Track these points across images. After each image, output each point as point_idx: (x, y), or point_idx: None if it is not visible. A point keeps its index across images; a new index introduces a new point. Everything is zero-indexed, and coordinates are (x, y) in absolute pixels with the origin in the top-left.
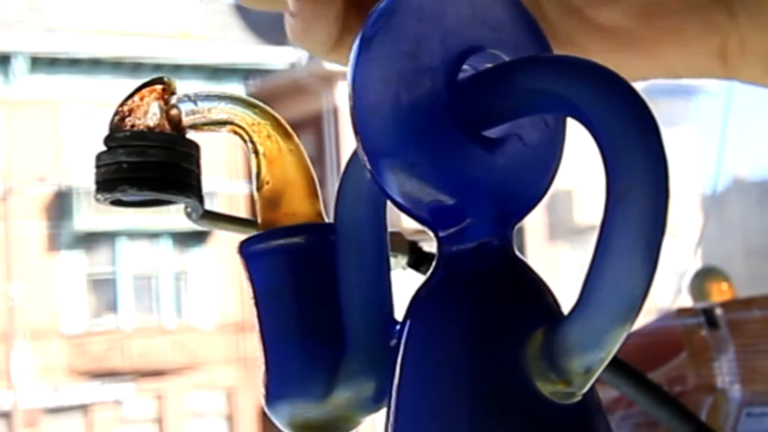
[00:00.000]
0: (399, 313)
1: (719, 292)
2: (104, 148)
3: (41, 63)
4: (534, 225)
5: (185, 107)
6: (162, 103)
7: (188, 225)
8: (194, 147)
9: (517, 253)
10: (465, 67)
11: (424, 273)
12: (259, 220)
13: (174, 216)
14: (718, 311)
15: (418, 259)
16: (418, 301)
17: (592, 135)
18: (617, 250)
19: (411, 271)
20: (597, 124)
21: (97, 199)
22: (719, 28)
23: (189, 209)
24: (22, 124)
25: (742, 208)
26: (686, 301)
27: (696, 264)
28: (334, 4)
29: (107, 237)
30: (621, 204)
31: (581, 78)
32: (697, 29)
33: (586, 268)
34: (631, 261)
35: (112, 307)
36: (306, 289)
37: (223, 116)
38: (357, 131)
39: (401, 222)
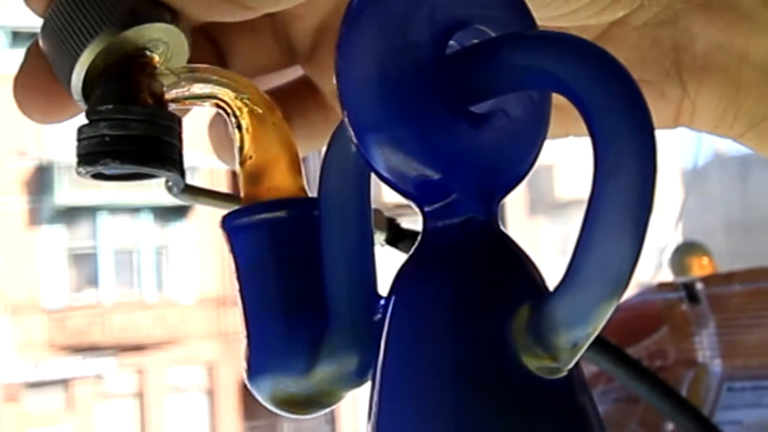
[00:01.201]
0: (383, 289)
1: (700, 267)
2: (86, 122)
3: (22, 37)
4: (515, 199)
5: (167, 80)
6: (144, 76)
7: (169, 200)
8: (176, 121)
9: (503, 228)
10: (452, 43)
11: (402, 250)
12: (242, 195)
13: (155, 190)
14: (699, 286)
15: (395, 236)
16: (403, 275)
17: (580, 111)
18: (605, 225)
19: (389, 248)
20: (585, 100)
21: (79, 173)
22: (672, 99)
23: (170, 183)
24: (2, 99)
25: (722, 182)
26: (667, 276)
27: (677, 239)
28: None
29: (88, 211)
30: (609, 180)
31: (568, 54)
32: (653, 102)
33: (574, 243)
34: (618, 237)
35: (93, 281)
36: (289, 263)
37: (206, 90)
38: (343, 106)
39: (381, 197)
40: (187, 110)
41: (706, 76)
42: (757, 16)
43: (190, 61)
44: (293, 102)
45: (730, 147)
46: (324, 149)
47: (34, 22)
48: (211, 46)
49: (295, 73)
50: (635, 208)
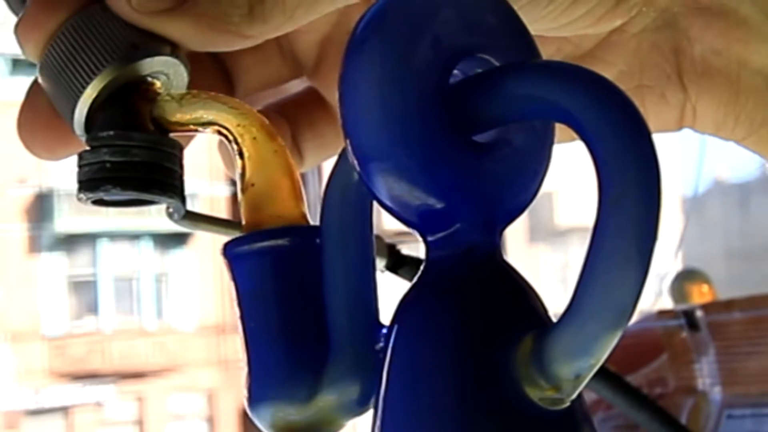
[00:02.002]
0: (385, 316)
1: (700, 294)
2: (87, 148)
3: (22, 65)
4: (514, 227)
5: (168, 107)
6: (146, 102)
7: (169, 226)
8: (177, 147)
9: (506, 258)
10: (455, 71)
11: (403, 276)
12: (244, 222)
13: (155, 217)
14: (699, 313)
15: (396, 263)
16: (405, 305)
17: (584, 140)
18: (609, 256)
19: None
20: (588, 130)
21: (80, 199)
22: (675, 103)
23: (171, 210)
24: (3, 126)
25: (722, 210)
26: (667, 303)
27: (677, 266)
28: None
29: (88, 239)
30: (613, 210)
31: (572, 83)
32: (655, 106)
33: (575, 272)
34: (623, 268)
35: (93, 308)
36: (290, 291)
37: (208, 117)
38: (346, 134)
39: (382, 225)
40: (192, 138)
41: (705, 81)
42: (755, 23)
43: (193, 82)
44: (302, 114)
45: (730, 174)
46: (326, 177)
47: None
48: (216, 63)
49: (302, 84)
50: (639, 238)
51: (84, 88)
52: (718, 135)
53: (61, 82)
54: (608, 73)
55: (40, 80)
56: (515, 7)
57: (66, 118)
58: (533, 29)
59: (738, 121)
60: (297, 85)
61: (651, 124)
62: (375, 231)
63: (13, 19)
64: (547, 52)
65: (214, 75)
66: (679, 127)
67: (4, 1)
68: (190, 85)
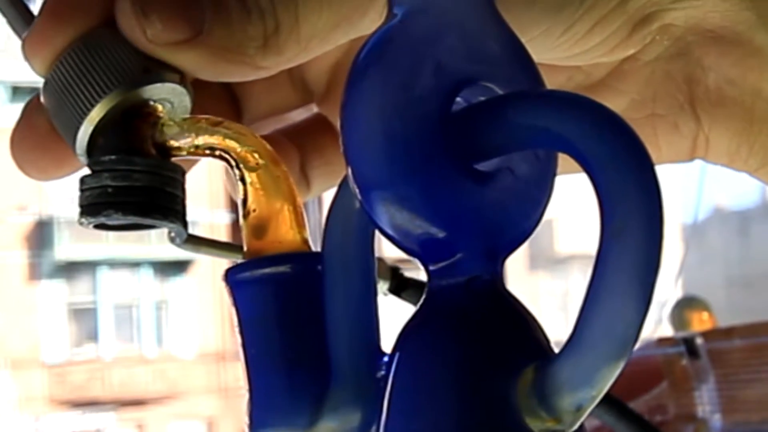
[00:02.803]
0: (387, 342)
1: (700, 322)
2: (89, 172)
3: (22, 92)
4: (515, 254)
5: (171, 132)
6: (148, 127)
7: (169, 254)
8: (179, 172)
9: (507, 287)
10: (458, 99)
11: (406, 299)
12: (245, 248)
13: (155, 245)
14: (699, 341)
15: (399, 285)
16: (406, 334)
17: (586, 171)
18: (611, 288)
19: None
20: (591, 160)
21: (81, 223)
22: (687, 133)
23: (173, 234)
24: (3, 153)
25: (722, 237)
26: (667, 331)
27: (677, 293)
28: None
29: (88, 266)
30: (615, 242)
31: (574, 113)
32: (667, 136)
33: (575, 300)
34: (624, 300)
35: (93, 336)
36: (292, 318)
37: (210, 142)
38: (348, 162)
39: (382, 252)
40: (194, 162)
41: (719, 111)
42: None
43: (201, 107)
44: (310, 140)
45: (730, 202)
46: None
47: (34, 78)
48: (224, 89)
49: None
50: (641, 270)
51: (90, 108)
52: (731, 166)
53: (66, 101)
54: (620, 102)
55: (42, 97)
56: (529, 37)
57: (67, 138)
58: (547, 58)
59: (752, 152)
60: (305, 111)
61: (663, 155)
62: (378, 254)
63: (14, 46)
64: (558, 81)
65: (223, 101)
66: (692, 158)
67: (6, 22)
68: (196, 112)
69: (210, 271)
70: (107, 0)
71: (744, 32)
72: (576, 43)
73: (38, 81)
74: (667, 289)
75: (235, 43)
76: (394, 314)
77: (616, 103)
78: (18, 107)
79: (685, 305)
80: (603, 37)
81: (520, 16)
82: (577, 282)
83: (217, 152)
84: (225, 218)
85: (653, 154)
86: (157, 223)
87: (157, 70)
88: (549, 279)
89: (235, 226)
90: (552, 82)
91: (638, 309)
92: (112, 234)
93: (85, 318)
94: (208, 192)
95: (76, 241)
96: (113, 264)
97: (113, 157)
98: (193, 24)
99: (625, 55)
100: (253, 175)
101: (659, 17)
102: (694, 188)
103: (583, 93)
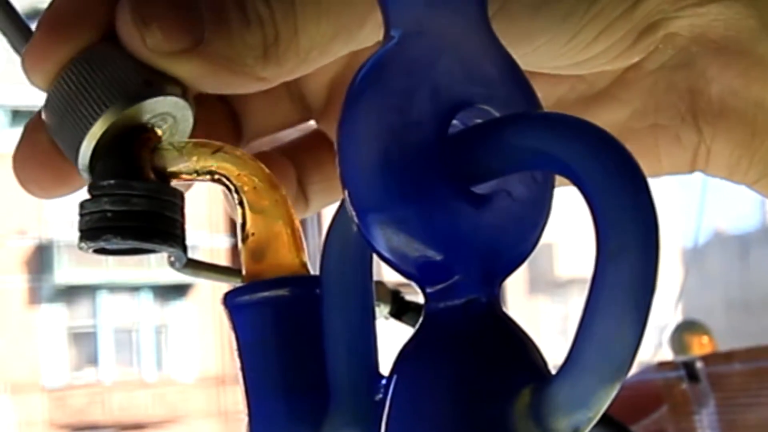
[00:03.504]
0: (385, 363)
1: (700, 346)
2: (88, 197)
3: (22, 116)
4: (514, 278)
5: (170, 156)
6: (147, 151)
7: (169, 278)
8: (178, 196)
9: (505, 309)
10: (454, 122)
11: (407, 323)
12: (244, 272)
13: (154, 269)
14: (699, 365)
15: (400, 309)
16: (404, 357)
17: (582, 193)
18: (607, 310)
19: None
20: (587, 183)
21: (81, 248)
22: (688, 145)
23: (172, 258)
24: (3, 177)
25: (722, 261)
26: (667, 355)
27: (677, 317)
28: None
29: (88, 290)
30: (611, 264)
31: (571, 135)
32: (669, 147)
33: (575, 324)
34: (620, 322)
35: (93, 360)
36: (290, 342)
37: (209, 166)
38: (345, 185)
39: (381, 276)
40: (191, 184)
41: (721, 122)
42: None
43: (202, 124)
44: (308, 156)
45: (730, 226)
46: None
47: (34, 101)
48: (224, 106)
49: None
50: (637, 292)
51: (93, 122)
52: (731, 179)
53: (68, 116)
54: (623, 112)
55: (44, 113)
56: (534, 45)
57: (69, 154)
58: (551, 67)
59: (752, 164)
60: (303, 128)
61: (664, 166)
62: (377, 278)
63: (13, 70)
64: (561, 90)
65: (223, 118)
66: (692, 170)
67: (6, 40)
68: (196, 129)
69: (209, 295)
70: (107, 14)
71: (747, 42)
72: (581, 51)
73: (39, 105)
74: (667, 313)
75: (234, 53)
76: (393, 337)
77: (618, 112)
78: (18, 132)
79: (685, 329)
80: (608, 44)
81: (525, 25)
82: (576, 306)
83: (216, 176)
84: (225, 242)
85: (654, 166)
86: (156, 248)
87: (159, 83)
88: (549, 303)
89: (234, 250)
90: (555, 91)
91: (634, 331)
92: (111, 258)
93: (85, 342)
94: (207, 216)
95: (76, 265)
96: (113, 288)
97: (112, 181)
98: (194, 34)
99: (629, 64)
100: (252, 198)
101: (664, 25)
102: (694, 212)
103: (586, 103)
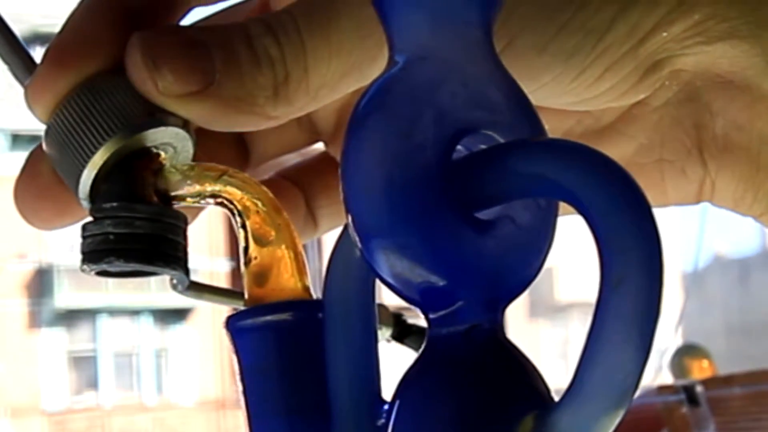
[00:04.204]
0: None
1: (700, 370)
2: (91, 219)
3: (22, 140)
4: (515, 302)
5: (173, 179)
6: (150, 174)
7: (169, 302)
8: (181, 218)
9: (507, 336)
10: (459, 147)
11: (409, 346)
12: (247, 296)
13: (155, 293)
14: (699, 388)
15: (402, 332)
16: (407, 382)
17: (586, 220)
18: (610, 338)
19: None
20: (591, 211)
21: (83, 270)
22: (694, 178)
23: (175, 281)
24: (3, 201)
25: (722, 285)
26: (667, 379)
27: (677, 341)
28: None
29: (88, 314)
30: (615, 292)
31: (575, 163)
32: (674, 181)
33: (575, 348)
34: (623, 350)
35: (93, 384)
36: (293, 366)
37: (212, 190)
38: (348, 210)
39: (382, 301)
40: (199, 211)
41: (726, 156)
42: None
43: (209, 149)
44: (317, 179)
45: (730, 250)
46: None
47: (34, 125)
48: (232, 132)
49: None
50: (641, 320)
51: (93, 152)
52: (736, 210)
53: (69, 146)
54: (629, 147)
55: (44, 144)
56: (540, 83)
57: (70, 184)
58: (557, 103)
59: (756, 198)
60: (309, 151)
61: (670, 198)
62: (378, 300)
63: (14, 94)
64: (567, 125)
65: (230, 143)
66: (698, 201)
67: (8, 69)
68: (203, 152)
69: (209, 319)
70: (108, 46)
71: (753, 78)
72: (587, 89)
73: (39, 129)
74: (667, 337)
75: (245, 93)
76: (395, 361)
77: (624, 147)
78: (18, 155)
79: (685, 353)
80: (613, 82)
81: (531, 62)
82: (577, 330)
83: (220, 200)
84: (225, 266)
85: (660, 198)
86: (159, 270)
87: (161, 114)
88: (549, 327)
89: (234, 274)
90: (561, 126)
91: (637, 359)
92: (111, 282)
93: (85, 366)
94: (208, 240)
95: (76, 289)
96: (113, 312)
97: (115, 204)
98: (204, 75)
99: (636, 100)
100: (255, 222)
101: (670, 63)
102: (694, 237)
103: (592, 137)
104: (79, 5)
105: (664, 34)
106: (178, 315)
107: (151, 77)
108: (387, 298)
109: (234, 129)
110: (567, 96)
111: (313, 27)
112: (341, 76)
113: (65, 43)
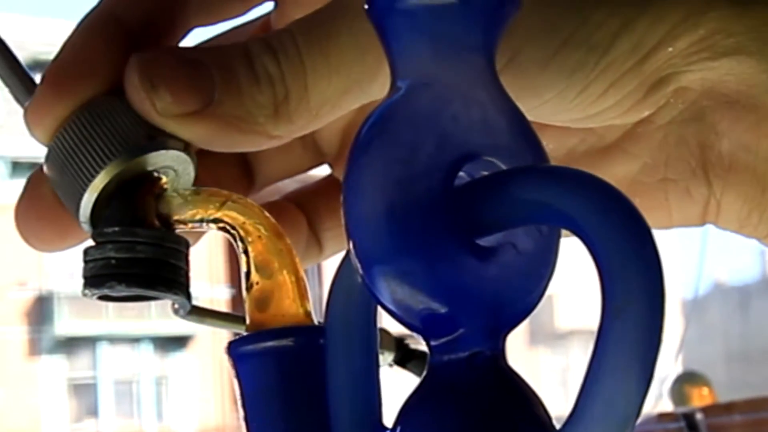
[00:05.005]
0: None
1: (700, 397)
2: (93, 244)
3: (22, 167)
4: (515, 329)
5: (175, 203)
6: (152, 198)
7: (169, 329)
8: (183, 243)
9: (509, 363)
10: (461, 174)
11: (411, 371)
12: (248, 321)
13: (155, 320)
14: (699, 416)
15: (404, 357)
16: (408, 409)
17: (588, 248)
18: (611, 367)
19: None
20: (593, 238)
21: (85, 294)
22: (699, 199)
23: (176, 306)
24: (3, 229)
25: (722, 313)
26: (667, 406)
27: (677, 369)
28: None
29: (88, 342)
30: (616, 321)
31: (578, 190)
32: (679, 201)
33: (575, 375)
34: (625, 379)
35: (93, 412)
36: (294, 392)
37: (214, 215)
38: (350, 236)
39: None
40: (201, 235)
41: (731, 177)
42: None
43: (213, 171)
44: (321, 202)
45: (730, 277)
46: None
47: (34, 153)
48: (237, 154)
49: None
50: (642, 349)
51: (94, 176)
52: (741, 232)
53: (69, 169)
54: (633, 166)
55: (45, 167)
56: (543, 99)
57: (70, 207)
58: (561, 120)
59: (762, 218)
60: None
61: (674, 219)
62: (380, 325)
63: (14, 121)
64: (571, 143)
65: (235, 165)
66: (702, 222)
67: (9, 91)
68: (208, 175)
69: (210, 346)
70: (108, 68)
71: (759, 96)
72: (590, 105)
73: (39, 156)
74: (668, 365)
75: (245, 113)
76: (397, 386)
77: (628, 166)
78: (18, 182)
79: (685, 380)
80: (617, 99)
81: (534, 78)
82: (577, 357)
83: (221, 225)
84: (225, 293)
85: (664, 219)
86: (160, 295)
87: (161, 137)
88: (549, 354)
89: (235, 300)
90: (565, 144)
91: (639, 387)
92: (112, 309)
93: (85, 393)
94: (208, 267)
95: (76, 316)
96: (113, 339)
97: (117, 228)
98: (203, 95)
99: (640, 118)
100: (257, 247)
101: (675, 79)
102: (694, 264)
103: (596, 156)
104: (78, 27)
105: (669, 49)
106: (178, 342)
107: (149, 98)
108: (389, 323)
109: (235, 149)
110: (570, 112)
111: (312, 45)
112: (342, 93)
113: (64, 66)
